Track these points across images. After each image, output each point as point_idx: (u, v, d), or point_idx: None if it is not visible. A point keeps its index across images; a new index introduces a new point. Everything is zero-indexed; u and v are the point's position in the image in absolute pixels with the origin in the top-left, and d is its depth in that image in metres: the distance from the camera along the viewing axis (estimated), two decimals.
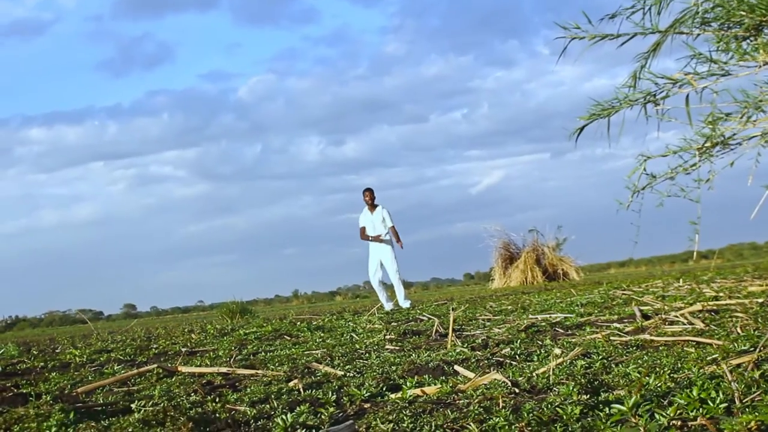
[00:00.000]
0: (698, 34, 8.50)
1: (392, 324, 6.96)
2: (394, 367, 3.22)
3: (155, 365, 3.89)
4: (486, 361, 2.97)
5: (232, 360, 4.10)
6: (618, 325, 4.16)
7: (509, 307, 7.59)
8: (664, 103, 8.69)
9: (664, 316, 3.88)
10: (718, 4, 8.17)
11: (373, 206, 12.01)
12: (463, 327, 5.53)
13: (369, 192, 12.01)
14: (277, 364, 3.90)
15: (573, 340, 3.57)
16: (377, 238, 12.05)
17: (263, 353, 4.78)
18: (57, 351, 8.67)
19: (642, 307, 5.27)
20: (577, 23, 8.43)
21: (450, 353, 3.37)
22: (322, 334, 6.10)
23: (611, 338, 3.24)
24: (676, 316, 3.83)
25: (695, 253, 11.19)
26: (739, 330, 3.08)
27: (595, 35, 8.78)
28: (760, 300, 4.68)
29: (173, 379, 3.62)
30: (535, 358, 2.96)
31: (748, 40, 8.35)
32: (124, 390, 3.44)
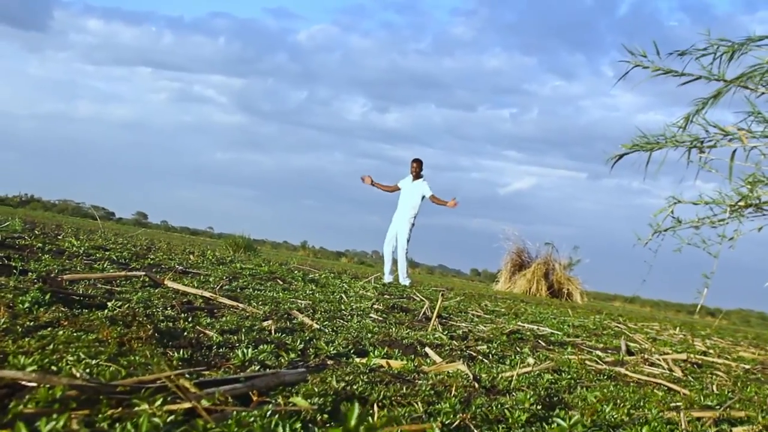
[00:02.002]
0: (762, 93, 8.37)
1: (384, 296, 6.98)
2: (369, 335, 3.23)
3: (143, 273, 3.93)
4: (459, 352, 2.97)
5: (218, 288, 4.13)
6: (600, 353, 4.15)
7: (502, 310, 7.58)
8: (709, 152, 8.59)
9: (646, 357, 3.86)
10: None
11: (417, 176, 12.04)
12: (451, 316, 5.54)
13: (416, 162, 12.05)
14: (260, 303, 3.93)
15: (551, 355, 3.56)
16: (366, 180, 12.25)
17: (251, 290, 4.81)
18: (59, 237, 8.78)
19: (630, 343, 5.24)
20: (644, 51, 8.32)
21: (428, 336, 3.38)
22: (314, 287, 6.13)
23: (587, 363, 3.23)
24: (659, 359, 3.81)
25: (700, 307, 11.13)
26: (714, 388, 3.07)
27: (659, 68, 8.67)
28: (747, 366, 4.64)
29: (156, 291, 3.66)
30: (508, 362, 2.96)
31: None
32: (107, 288, 3.48)
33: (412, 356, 2.72)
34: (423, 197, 11.99)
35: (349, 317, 4.04)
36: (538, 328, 5.15)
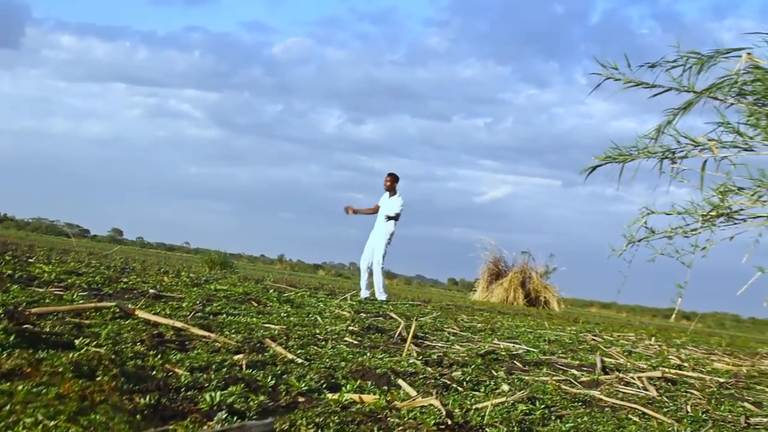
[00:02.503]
0: (731, 104, 8.47)
1: (360, 314, 6.95)
2: (343, 363, 3.20)
3: (114, 303, 3.88)
4: (433, 381, 2.95)
5: (190, 316, 4.08)
6: (576, 372, 4.15)
7: (479, 325, 7.58)
8: (680, 163, 8.68)
9: (621, 376, 3.86)
10: (758, 79, 8.13)
11: (391, 191, 12.04)
12: (427, 336, 5.52)
13: (390, 177, 12.06)
14: (233, 331, 3.89)
15: (526, 377, 3.55)
16: (349, 210, 12.24)
17: (225, 315, 4.76)
18: (30, 261, 8.67)
19: (606, 358, 5.26)
20: (615, 64, 8.39)
21: (402, 363, 3.36)
22: (288, 309, 6.09)
23: (562, 386, 3.23)
24: (633, 379, 3.82)
25: (676, 313, 11.21)
26: (688, 408, 3.07)
27: (630, 80, 8.75)
28: (721, 379, 4.67)
29: (127, 322, 3.60)
30: (482, 389, 2.95)
31: None
32: (76, 321, 3.42)
33: (386, 388, 2.70)
34: (399, 213, 11.99)
35: (324, 342, 4.01)
36: (513, 346, 5.15)
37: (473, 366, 3.59)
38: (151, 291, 6.44)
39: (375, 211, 12.12)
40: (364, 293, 12.35)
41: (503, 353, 4.52)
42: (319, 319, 5.47)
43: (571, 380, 3.64)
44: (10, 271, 6.21)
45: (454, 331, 6.15)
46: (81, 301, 4.08)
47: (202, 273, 13.24)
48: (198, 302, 5.49)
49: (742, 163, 8.30)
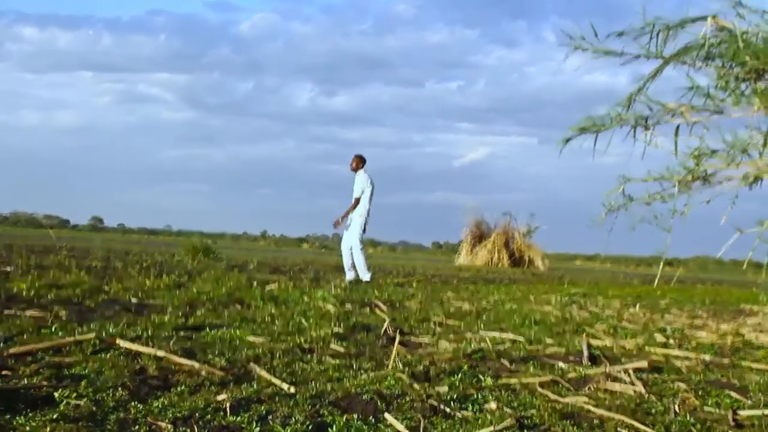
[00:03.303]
0: (700, 67, 8.47)
1: (346, 306, 6.94)
2: (329, 386, 3.18)
3: (93, 335, 3.82)
4: (420, 403, 2.94)
5: (173, 339, 4.04)
6: (563, 365, 4.16)
7: (465, 307, 7.58)
8: (654, 129, 8.69)
9: (608, 371, 3.87)
10: (724, 41, 8.12)
11: (355, 169, 11.99)
12: (413, 329, 5.52)
13: (355, 159, 12.01)
14: (216, 353, 3.85)
15: (513, 381, 3.55)
16: (338, 224, 12.19)
17: (208, 329, 4.72)
18: (8, 271, 8.57)
19: (592, 340, 5.28)
20: (582, 35, 8.35)
21: (389, 380, 3.34)
22: (273, 311, 6.06)
23: (549, 395, 3.22)
24: (620, 373, 3.83)
25: (658, 279, 11.27)
26: (676, 407, 3.08)
27: (598, 49, 8.71)
28: (707, 357, 4.70)
29: (108, 356, 3.56)
30: (470, 407, 2.94)
31: (747, 82, 8.34)
32: (57, 361, 3.37)
33: (372, 420, 2.68)
34: (362, 191, 11.92)
35: (309, 355, 3.99)
36: (500, 337, 5.16)
37: (460, 375, 3.58)
38: (134, 301, 6.39)
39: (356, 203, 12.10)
40: (349, 275, 12.35)
41: (490, 350, 4.52)
42: (303, 321, 5.44)
43: (558, 379, 3.65)
44: None
45: (441, 320, 6.14)
46: (60, 334, 4.01)
47: (184, 264, 13.17)
48: (180, 313, 5.44)
49: (714, 126, 8.33)
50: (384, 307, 7.17)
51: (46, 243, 22.12)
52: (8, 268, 9.39)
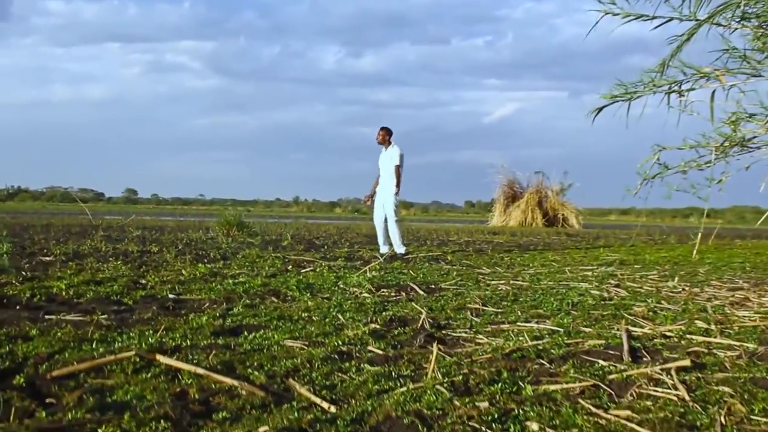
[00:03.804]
0: (735, 29, 8.22)
1: (381, 292, 6.94)
2: (369, 404, 3.18)
3: (133, 353, 3.85)
4: (462, 426, 2.92)
5: (211, 356, 4.05)
6: (603, 363, 4.11)
7: (501, 287, 7.54)
8: (688, 95, 8.49)
9: (650, 372, 3.82)
10: (761, 0, 7.85)
11: (386, 143, 12.04)
12: (450, 320, 5.49)
13: (383, 130, 12.06)
14: (255, 365, 3.87)
15: (552, 388, 3.52)
16: (368, 201, 12.29)
17: (245, 333, 4.74)
18: (47, 264, 8.69)
19: (631, 327, 5.22)
20: None
21: (429, 395, 3.33)
22: (309, 304, 6.08)
23: (591, 410, 3.18)
24: (662, 374, 3.77)
25: (697, 248, 11.11)
26: (723, 419, 3.03)
27: (629, 13, 8.51)
28: (751, 346, 4.62)
29: (149, 375, 3.59)
30: (511, 427, 2.91)
31: None
32: (98, 384, 3.41)
33: None
34: (400, 162, 12.04)
35: (347, 363, 3.99)
36: (538, 329, 5.12)
37: (500, 384, 3.55)
38: (171, 296, 6.45)
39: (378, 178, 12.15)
40: (383, 249, 12.42)
41: (528, 347, 4.48)
42: (340, 317, 5.45)
43: (599, 384, 3.61)
44: (27, 294, 6.22)
45: (477, 307, 6.11)
46: (101, 350, 4.05)
47: (219, 243, 13.27)
48: (217, 313, 5.47)
49: (751, 89, 8.11)
50: (420, 291, 7.16)
51: (82, 221, 22.43)
52: (47, 258, 9.53)
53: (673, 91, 8.31)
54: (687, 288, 7.63)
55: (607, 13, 8.49)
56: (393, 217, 12.01)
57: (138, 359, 3.82)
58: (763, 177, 8.27)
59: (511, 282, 8.10)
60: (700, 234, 9.39)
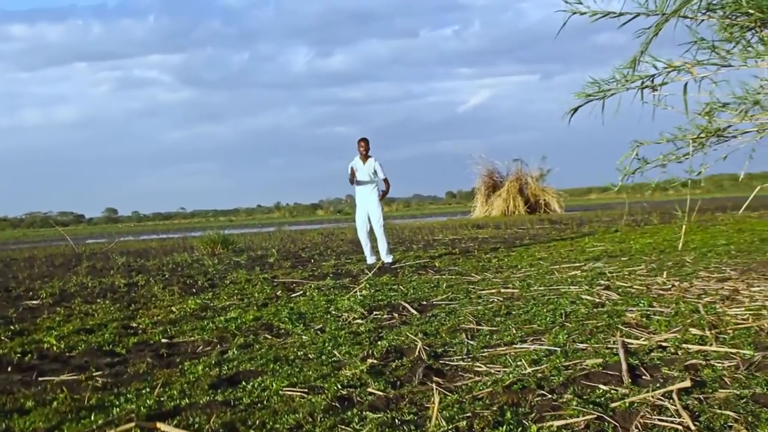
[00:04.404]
0: (702, 20, 8.27)
1: (373, 315, 6.93)
2: None
3: (133, 424, 3.81)
4: None
5: (212, 420, 4.01)
6: (603, 388, 4.12)
7: (493, 300, 7.53)
8: (661, 89, 8.53)
9: (651, 398, 3.83)
10: None
11: (366, 157, 12.04)
12: (446, 347, 5.48)
13: (364, 142, 12.04)
14: (258, 424, 3.84)
15: (557, 425, 3.52)
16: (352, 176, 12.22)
17: (243, 384, 4.70)
18: (35, 308, 8.61)
19: (627, 340, 5.24)
20: None
21: None
22: (303, 338, 6.05)
23: None
24: (664, 400, 3.78)
25: (683, 239, 11.19)
26: None
27: (596, 12, 8.54)
28: (747, 353, 4.65)
29: None
30: None
31: (752, 31, 8.13)
32: None
33: None
34: (376, 174, 12.11)
35: (349, 413, 3.97)
36: (535, 351, 5.13)
37: (504, 427, 3.55)
38: (164, 341, 6.41)
39: (353, 173, 12.04)
40: (370, 260, 12.43)
41: (528, 376, 4.48)
42: (336, 353, 5.42)
43: (603, 415, 3.61)
44: (18, 351, 6.17)
45: (471, 327, 6.12)
46: (100, 423, 4.00)
47: (206, 267, 13.19)
48: (213, 360, 5.42)
49: (723, 80, 8.16)
50: (412, 310, 7.15)
51: (65, 250, 22.26)
52: (34, 302, 9.44)
53: (646, 86, 8.35)
54: (677, 284, 7.66)
55: (574, 13, 8.52)
56: (381, 224, 12.02)
57: (139, 430, 3.79)
58: (741, 165, 8.34)
59: (502, 290, 8.10)
60: (684, 226, 9.45)
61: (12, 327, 7.29)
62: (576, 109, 8.86)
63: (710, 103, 8.26)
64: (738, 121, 8.28)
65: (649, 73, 8.22)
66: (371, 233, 12.24)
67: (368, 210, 12.12)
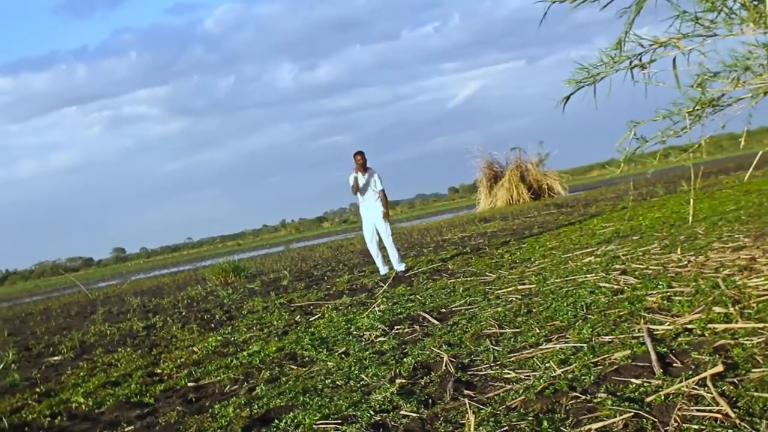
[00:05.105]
0: None
1: (395, 330, 6.92)
2: None
3: None
4: None
5: None
6: (637, 382, 4.10)
7: (512, 299, 7.50)
8: (650, 67, 8.53)
9: (687, 388, 3.80)
10: None
11: (364, 169, 12.00)
12: (472, 356, 5.46)
13: (360, 155, 11.98)
14: None
15: (596, 428, 3.50)
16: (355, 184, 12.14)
17: (276, 422, 4.69)
18: (57, 365, 8.62)
19: (651, 326, 5.21)
20: None
21: None
22: (329, 364, 6.03)
23: None
24: (699, 389, 3.76)
25: (691, 213, 11.14)
26: None
27: None
28: None
29: None
30: None
31: None
32: None
33: None
34: (376, 185, 12.10)
35: None
36: (562, 351, 5.10)
37: None
38: (190, 385, 6.40)
39: (355, 185, 11.98)
40: (383, 271, 12.41)
41: (559, 379, 4.46)
42: (363, 377, 5.41)
43: (640, 412, 3.59)
44: (48, 414, 6.17)
45: (494, 331, 6.10)
46: None
47: (221, 298, 13.18)
48: (243, 401, 5.40)
49: (710, 50, 8.15)
50: (432, 320, 7.14)
51: (78, 298, 22.27)
52: (56, 358, 9.45)
53: (635, 66, 8.34)
54: (692, 259, 7.63)
55: (554, 2, 8.51)
56: (389, 234, 11.99)
57: None
58: (739, 127, 8.37)
59: (519, 287, 8.08)
60: (692, 201, 9.42)
61: (38, 388, 7.29)
62: (568, 97, 8.85)
63: (701, 75, 8.25)
64: (731, 89, 8.25)
65: (636, 52, 8.21)
66: (380, 243, 12.21)
67: (374, 221, 12.10)
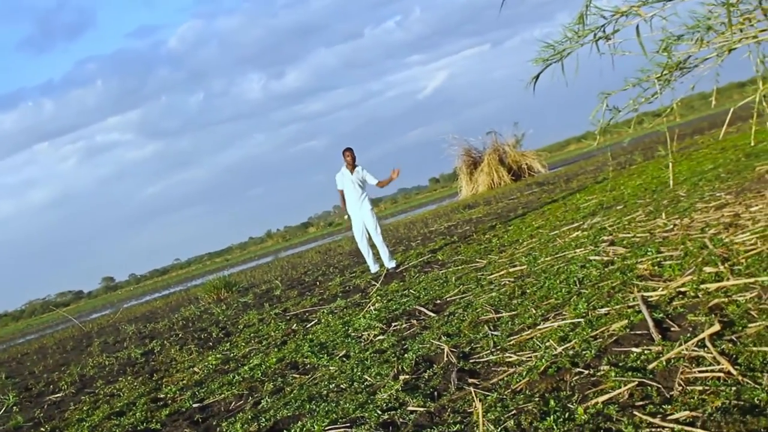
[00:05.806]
0: None
1: (393, 327, 6.93)
2: None
3: None
4: None
5: None
6: (637, 351, 4.12)
7: (504, 282, 7.53)
8: (615, 37, 8.59)
9: (686, 351, 3.83)
10: None
11: (353, 166, 11.96)
12: (471, 344, 5.48)
13: (349, 152, 11.96)
14: None
15: (602, 400, 3.53)
16: (342, 211, 12.21)
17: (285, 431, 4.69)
18: (60, 403, 8.56)
19: (645, 294, 5.24)
20: None
21: None
22: (331, 369, 6.03)
23: (649, 420, 3.19)
24: (697, 350, 3.80)
25: (671, 182, 11.21)
26: None
27: None
28: (766, 280, 4.66)
29: None
30: None
31: None
32: None
33: None
34: (365, 182, 12.07)
35: None
36: (560, 328, 5.12)
37: (552, 416, 3.55)
38: (195, 406, 6.37)
39: (342, 193, 12.04)
40: (373, 269, 12.41)
41: (561, 356, 4.48)
42: (366, 377, 5.41)
43: (644, 380, 3.62)
44: None
45: (491, 317, 6.12)
46: None
47: (216, 315, 13.14)
48: (249, 416, 5.39)
49: (671, 14, 8.21)
50: (428, 312, 7.15)
51: (73, 332, 22.13)
52: (57, 395, 9.38)
53: (600, 38, 8.39)
54: (678, 222, 7.68)
55: None
56: (378, 231, 11.97)
57: None
58: (708, 86, 8.49)
59: (510, 270, 8.11)
60: (671, 165, 9.49)
61: (42, 428, 7.23)
62: (537, 76, 8.89)
63: (665, 39, 8.31)
64: (696, 50, 8.32)
65: (598, 24, 8.26)
66: (370, 241, 12.21)
67: (363, 219, 12.08)
